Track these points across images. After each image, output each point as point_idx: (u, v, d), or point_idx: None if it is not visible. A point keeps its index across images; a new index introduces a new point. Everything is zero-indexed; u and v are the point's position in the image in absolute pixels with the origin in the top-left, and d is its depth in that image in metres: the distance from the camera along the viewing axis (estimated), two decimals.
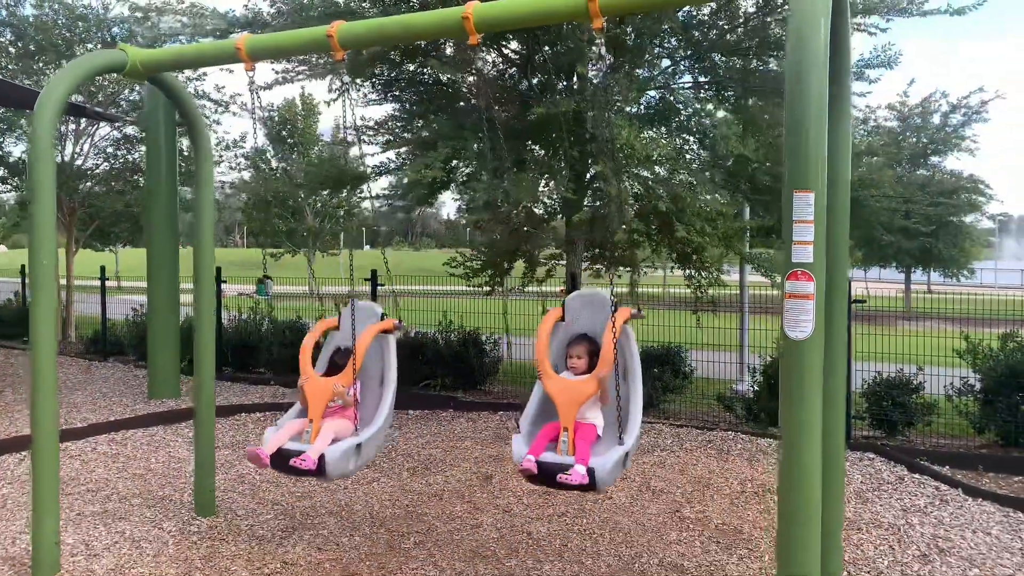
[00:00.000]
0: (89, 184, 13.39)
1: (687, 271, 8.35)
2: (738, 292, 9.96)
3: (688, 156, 8.13)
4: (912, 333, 7.91)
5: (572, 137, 7.06)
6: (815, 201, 2.52)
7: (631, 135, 6.17)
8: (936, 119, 20.90)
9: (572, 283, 8.40)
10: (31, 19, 11.46)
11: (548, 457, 3.79)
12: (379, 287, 9.46)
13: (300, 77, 7.72)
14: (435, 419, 8.01)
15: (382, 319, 4.69)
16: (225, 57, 4.21)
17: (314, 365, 4.64)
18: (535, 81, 8.03)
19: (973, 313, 8.13)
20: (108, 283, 12.69)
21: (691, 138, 8.13)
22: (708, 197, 7.39)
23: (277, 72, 7.97)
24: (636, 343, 4.15)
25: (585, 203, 7.92)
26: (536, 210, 9.12)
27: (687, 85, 8.14)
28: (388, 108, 8.73)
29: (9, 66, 11.72)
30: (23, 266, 13.74)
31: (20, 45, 11.67)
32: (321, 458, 4.01)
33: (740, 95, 7.62)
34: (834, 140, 3.13)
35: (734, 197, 8.00)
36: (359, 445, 4.18)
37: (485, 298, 9.68)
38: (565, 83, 7.84)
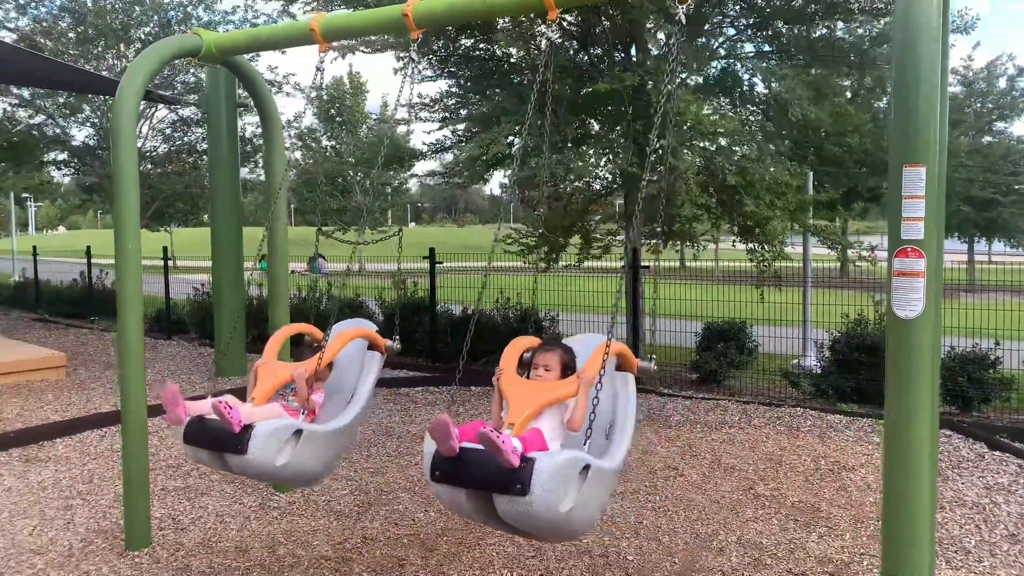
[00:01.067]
0: (149, 166, 13.68)
1: (749, 244, 8.21)
2: (800, 266, 9.75)
3: (752, 128, 7.94)
4: (982, 307, 7.66)
5: (635, 111, 6.94)
6: (927, 175, 2.42)
7: (698, 108, 6.04)
8: (1002, 83, 20.09)
9: (633, 257, 8.33)
10: (89, 5, 11.66)
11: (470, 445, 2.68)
12: (437, 264, 9.51)
13: (363, 51, 7.72)
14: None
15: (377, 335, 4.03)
16: (299, 38, 4.21)
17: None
18: (595, 52, 7.92)
19: None
20: (156, 263, 12.95)
21: (755, 109, 7.94)
22: (773, 169, 7.22)
23: (335, 49, 7.98)
24: (636, 396, 3.24)
25: (646, 177, 7.80)
26: (595, 185, 9.05)
27: (751, 54, 7.94)
28: (443, 84, 8.69)
29: (70, 51, 11.97)
30: (88, 247, 14.15)
31: (80, 30, 11.90)
32: (248, 427, 3.18)
33: (806, 63, 7.41)
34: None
35: (800, 168, 7.81)
36: (299, 432, 3.32)
37: (540, 275, 9.67)
38: (623, 55, 7.71)
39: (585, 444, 2.79)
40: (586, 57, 7.86)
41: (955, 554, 4.19)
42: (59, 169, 14.90)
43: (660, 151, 6.49)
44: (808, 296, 9.40)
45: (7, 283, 17.30)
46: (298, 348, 4.16)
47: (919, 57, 2.44)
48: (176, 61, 10.12)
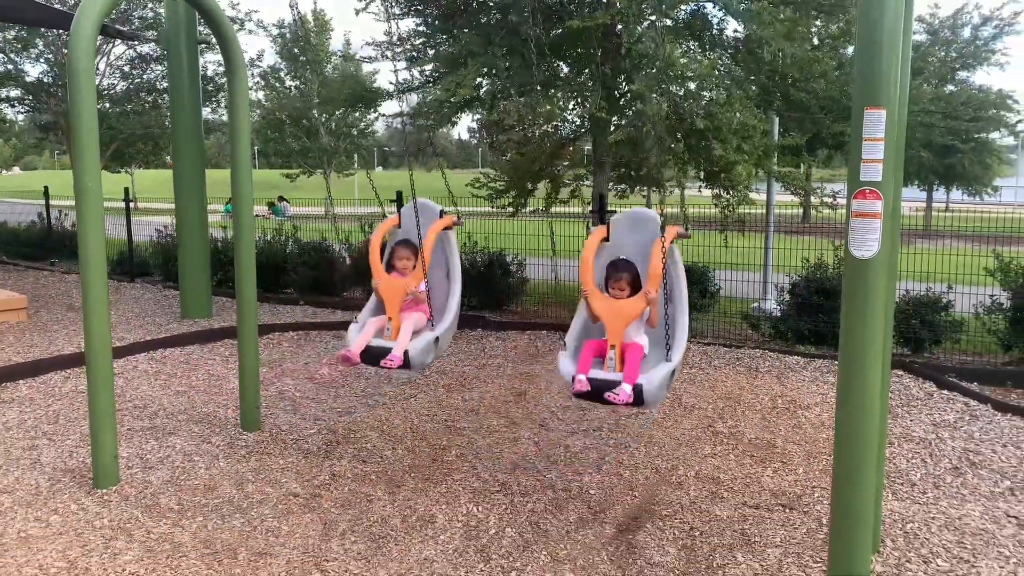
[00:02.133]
0: (107, 105, 13.25)
1: (715, 190, 8.28)
2: (764, 211, 9.88)
3: (721, 72, 7.93)
4: (937, 252, 7.87)
5: (603, 53, 6.89)
6: (887, 118, 2.47)
7: (670, 50, 6.01)
8: (967, 32, 20.20)
9: (600, 203, 8.36)
10: None
11: (596, 374, 3.86)
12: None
13: None
14: (465, 337, 8.13)
15: (440, 216, 4.77)
16: None
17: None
18: None
19: (1000, 231, 8.06)
20: (116, 204, 12.68)
21: (723, 53, 7.91)
22: (740, 114, 7.25)
23: None
24: (682, 264, 4.13)
25: (615, 121, 7.80)
26: (563, 130, 9.01)
27: None
28: (410, 23, 8.51)
29: None
30: (46, 188, 13.78)
31: None
32: (405, 354, 4.32)
33: (777, 3, 7.37)
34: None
35: (767, 113, 7.84)
36: (437, 338, 4.46)
37: (508, 219, 9.67)
38: None
39: (665, 332, 3.90)
40: None
41: (901, 486, 4.40)
42: (12, 107, 14.36)
43: (628, 95, 6.49)
44: (770, 241, 9.56)
45: None
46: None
47: (885, 6, 2.46)
48: None
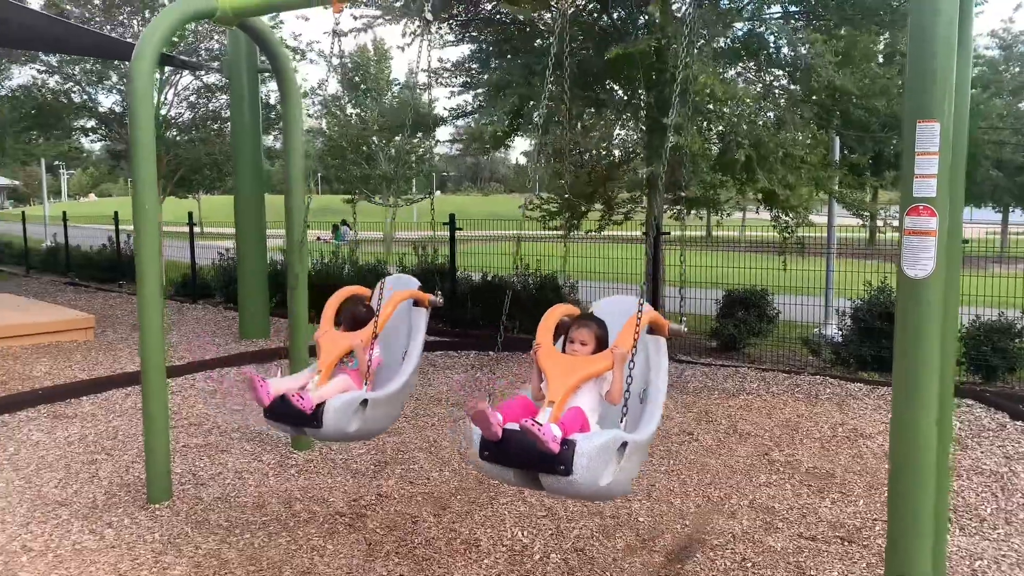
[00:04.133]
0: (174, 133, 13.76)
1: (773, 211, 8.10)
2: (824, 234, 9.60)
3: (777, 92, 7.79)
4: (1012, 276, 7.51)
5: (651, 78, 6.84)
6: (941, 131, 2.36)
7: (712, 78, 5.90)
8: None
9: (656, 227, 8.26)
10: None
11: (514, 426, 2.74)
12: (457, 231, 9.52)
13: (379, 22, 7.67)
14: (515, 360, 8.09)
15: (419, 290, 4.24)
16: None
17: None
18: (615, 16, 7.78)
19: None
20: (181, 229, 13.13)
21: (781, 72, 7.77)
22: (791, 136, 7.10)
23: (356, 18, 7.94)
24: (668, 360, 3.31)
25: (664, 147, 7.70)
26: (616, 151, 8.96)
27: (777, 15, 7.75)
28: (465, 49, 8.62)
29: (96, 18, 12.01)
30: (116, 212, 14.35)
31: None
32: (321, 404, 3.52)
33: (835, 23, 7.21)
34: (958, 66, 2.92)
35: (826, 133, 7.65)
36: (365, 402, 3.65)
37: (561, 242, 9.63)
38: (646, 18, 7.56)
39: (622, 417, 2.88)
40: (607, 20, 7.73)
41: (969, 521, 4.17)
42: (87, 136, 15.06)
43: (669, 124, 6.40)
44: (831, 264, 9.27)
45: (40, 248, 17.65)
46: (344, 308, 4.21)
47: (937, 8, 2.36)
48: (197, 26, 10.09)
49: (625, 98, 8.03)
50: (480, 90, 8.51)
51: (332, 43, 4.43)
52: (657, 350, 3.30)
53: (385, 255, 11.22)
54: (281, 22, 13.19)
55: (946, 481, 3.40)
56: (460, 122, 10.05)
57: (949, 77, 2.36)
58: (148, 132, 4.21)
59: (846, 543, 3.92)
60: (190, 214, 12.00)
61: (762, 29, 7.57)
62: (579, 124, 7.49)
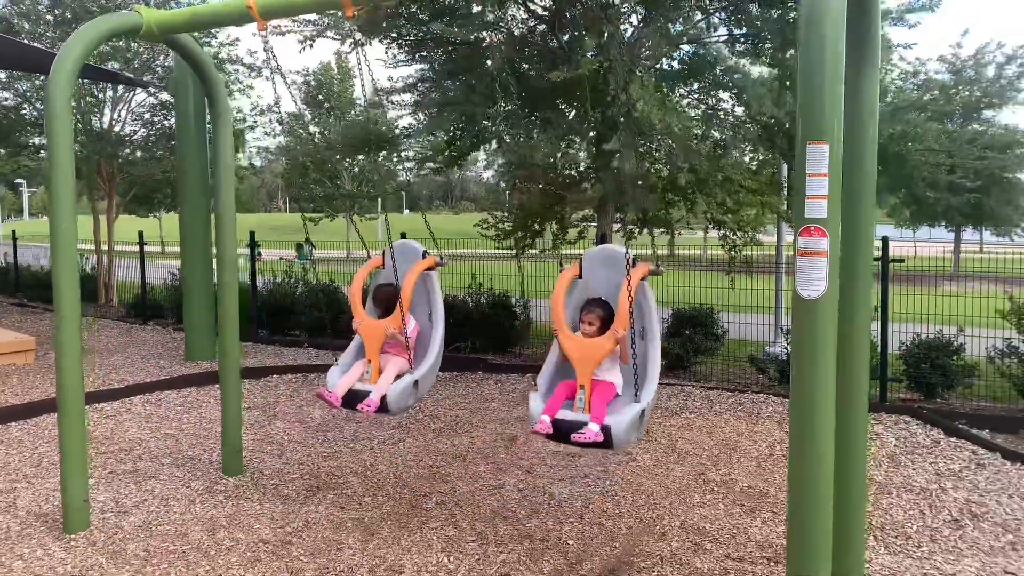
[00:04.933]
0: (127, 151, 13.56)
1: (721, 231, 8.15)
2: (774, 252, 9.72)
3: (722, 114, 7.86)
4: (956, 294, 7.63)
5: (596, 99, 6.87)
6: (830, 153, 2.38)
7: (649, 107, 5.93)
8: (991, 71, 19.94)
9: (602, 243, 8.27)
10: None
11: (564, 415, 3.81)
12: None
13: (327, 36, 7.64)
14: (463, 381, 8.03)
15: (424, 257, 4.73)
16: (238, 16, 4.14)
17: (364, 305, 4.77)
18: (565, 38, 7.82)
19: (1021, 273, 7.80)
20: (152, 248, 12.95)
21: (725, 94, 7.85)
22: (735, 159, 7.17)
23: (302, 33, 7.89)
24: (655, 301, 4.09)
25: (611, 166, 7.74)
26: (567, 171, 8.98)
27: (722, 38, 7.84)
28: (415, 69, 8.59)
29: (48, 34, 11.84)
30: (13, 232, 14.00)
31: (57, 13, 11.77)
32: (383, 398, 4.29)
33: (778, 47, 7.30)
34: (857, 87, 2.95)
35: (772, 155, 7.74)
36: (416, 382, 4.41)
37: (517, 261, 9.62)
38: (596, 40, 7.61)
39: (633, 362, 3.78)
40: (555, 42, 7.77)
41: (895, 539, 4.18)
42: (38, 153, 14.76)
43: (611, 150, 6.45)
44: (781, 283, 9.37)
45: None
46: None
47: (823, 33, 2.39)
48: (129, 42, 9.89)
49: (573, 118, 8.05)
50: (430, 110, 8.49)
51: (269, 56, 4.42)
52: (644, 296, 4.04)
53: (334, 275, 11.11)
54: (237, 39, 13.12)
55: (861, 500, 3.41)
56: (416, 141, 10.02)
57: (835, 99, 2.38)
58: (66, 149, 4.11)
59: (772, 563, 3.91)
60: (140, 233, 11.80)
61: (704, 52, 7.65)
62: (528, 144, 7.46)
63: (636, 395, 3.80)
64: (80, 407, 4.32)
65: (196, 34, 5.40)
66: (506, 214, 9.88)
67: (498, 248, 9.79)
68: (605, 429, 3.62)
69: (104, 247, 13.88)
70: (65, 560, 3.96)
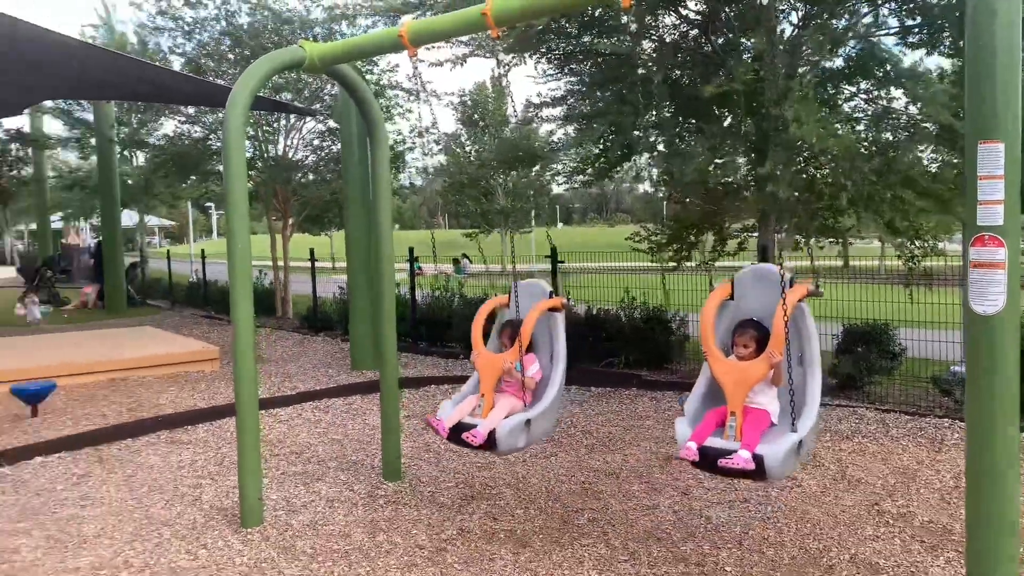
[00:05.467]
0: (299, 175, 14.59)
1: (898, 240, 7.54)
2: (959, 263, 8.85)
3: (894, 115, 7.29)
4: None
5: (752, 107, 6.59)
6: (1006, 152, 2.10)
7: (807, 128, 5.58)
8: None
9: (763, 256, 7.90)
10: (245, 27, 12.60)
11: (713, 442, 3.60)
12: (559, 264, 9.49)
13: (469, 58, 7.86)
14: (617, 397, 7.91)
15: (550, 297, 4.69)
16: (391, 44, 4.34)
17: (487, 340, 4.77)
18: (719, 42, 7.58)
19: None
20: (323, 264, 13.84)
21: (898, 91, 7.27)
22: (911, 159, 6.60)
23: (453, 53, 8.16)
24: (814, 322, 3.83)
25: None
26: (725, 179, 8.67)
27: (892, 29, 7.29)
28: (564, 83, 8.63)
29: (229, 71, 12.99)
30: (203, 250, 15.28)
31: (238, 51, 12.89)
32: (491, 434, 4.17)
33: (957, 36, 6.68)
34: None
35: (952, 155, 7.08)
36: (528, 421, 4.26)
37: (675, 274, 9.37)
38: (759, 40, 7.30)
39: (791, 387, 3.57)
40: (709, 47, 7.54)
41: None
42: (222, 179, 16.22)
43: (767, 172, 6.14)
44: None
45: (185, 284, 19.10)
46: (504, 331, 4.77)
47: (994, 8, 2.12)
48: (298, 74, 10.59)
49: (728, 126, 7.77)
50: (579, 124, 8.50)
51: (417, 80, 4.64)
52: (803, 318, 3.78)
53: (488, 289, 11.33)
54: (397, 66, 13.80)
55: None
56: (566, 154, 10.07)
57: (1013, 91, 2.10)
58: (240, 174, 4.45)
59: None
60: (311, 250, 12.63)
61: (871, 47, 7.12)
62: (681, 153, 7.28)
63: (793, 424, 3.55)
64: (254, 412, 4.64)
65: (359, 63, 5.73)
66: (660, 226, 9.68)
67: (652, 261, 9.61)
68: (757, 458, 3.38)
69: (280, 263, 14.96)
70: (242, 552, 4.26)
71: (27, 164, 26.97)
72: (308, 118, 13.56)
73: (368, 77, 12.86)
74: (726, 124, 7.88)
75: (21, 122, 24.38)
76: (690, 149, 6.77)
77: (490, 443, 4.19)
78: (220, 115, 13.96)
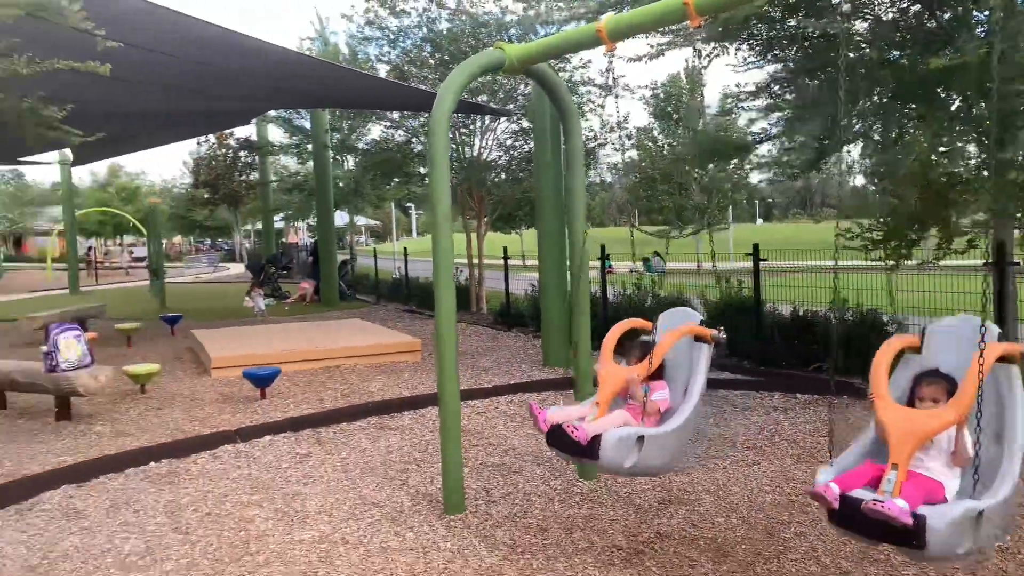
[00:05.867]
0: (493, 175, 15.03)
1: None
2: None
3: None
4: None
5: (983, 87, 5.85)
6: None
7: None
8: None
9: (999, 254, 7.04)
10: (445, 32, 13.16)
11: (860, 493, 2.87)
12: (762, 262, 9.04)
13: (669, 49, 7.63)
14: (825, 405, 7.39)
15: (699, 324, 4.24)
16: (588, 41, 4.32)
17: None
18: (946, 16, 6.83)
19: None
20: (514, 262, 14.21)
21: None
22: None
23: (652, 46, 7.97)
24: (1022, 391, 3.02)
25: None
26: (953, 168, 7.83)
27: None
28: (769, 70, 8.17)
29: (429, 76, 13.64)
30: (404, 248, 16.00)
31: (437, 56, 13.50)
32: (596, 437, 3.69)
33: None
34: None
35: None
36: (642, 438, 3.72)
37: (889, 274, 8.61)
38: (985, 14, 6.52)
39: (976, 470, 2.85)
40: (933, 22, 6.82)
41: None
42: (424, 180, 17.03)
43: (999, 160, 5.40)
44: None
45: (389, 279, 20.38)
46: (624, 345, 4.40)
47: None
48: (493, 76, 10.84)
49: (956, 110, 6.99)
50: (783, 113, 8.02)
51: (609, 77, 4.55)
52: (1009, 381, 3.04)
53: (683, 288, 11.03)
54: (589, 61, 13.79)
55: None
56: (765, 148, 9.57)
57: None
58: (444, 175, 4.63)
59: None
60: (504, 248, 12.97)
61: None
62: (900, 142, 6.65)
63: (974, 490, 2.85)
64: (456, 402, 4.81)
65: (551, 62, 5.76)
66: (876, 221, 8.91)
67: (865, 259, 8.88)
68: (918, 517, 2.66)
69: (475, 261, 15.51)
70: (446, 537, 4.43)
71: (254, 169, 30.10)
72: (502, 118, 13.93)
73: (560, 75, 13.00)
74: (952, 108, 7.10)
75: (249, 131, 27.31)
76: (911, 138, 6.13)
77: (592, 448, 3.69)
78: (421, 119, 14.72)
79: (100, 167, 51.63)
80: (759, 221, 64.56)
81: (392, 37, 13.93)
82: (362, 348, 9.94)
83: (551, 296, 9.51)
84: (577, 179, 5.21)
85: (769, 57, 8.00)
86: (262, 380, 7.99)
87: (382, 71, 14.42)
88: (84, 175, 54.48)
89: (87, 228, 45.66)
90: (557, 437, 3.87)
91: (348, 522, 4.69)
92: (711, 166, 21.21)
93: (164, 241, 33.14)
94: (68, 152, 20.17)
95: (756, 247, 8.99)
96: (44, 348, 7.16)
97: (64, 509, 5.03)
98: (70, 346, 7.09)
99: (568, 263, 5.43)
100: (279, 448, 6.31)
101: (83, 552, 4.36)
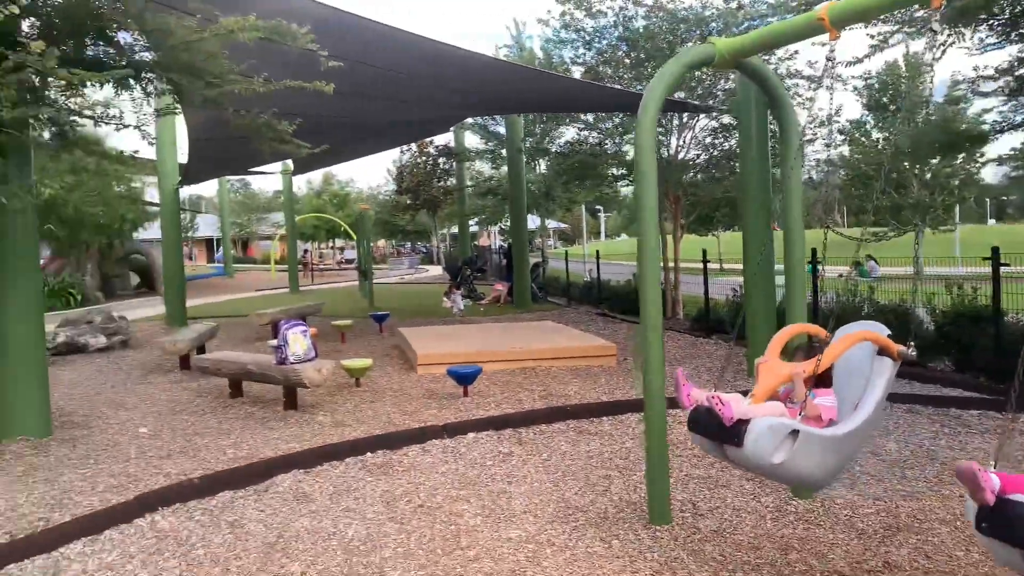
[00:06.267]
0: (691, 174, 14.60)
1: None
2: None
3: None
4: None
5: None
6: None
7: None
8: None
9: None
10: (641, 30, 12.96)
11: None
12: (1003, 267, 8.05)
13: (897, 38, 6.99)
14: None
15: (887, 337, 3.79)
16: (808, 30, 4.03)
17: None
18: None
19: None
20: (710, 265, 13.72)
21: None
22: None
23: (873, 36, 7.38)
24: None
25: None
26: None
27: None
28: (1012, 51, 7.28)
29: (624, 76, 13.49)
30: (596, 251, 15.70)
31: (633, 55, 13.33)
32: (744, 421, 3.34)
33: None
34: None
35: None
36: (796, 432, 3.32)
37: None
38: None
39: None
40: None
41: None
42: (617, 182, 16.91)
43: None
44: None
45: (579, 282, 20.47)
46: (798, 352, 4.06)
47: None
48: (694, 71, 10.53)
49: None
50: None
51: (827, 68, 4.16)
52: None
53: (906, 295, 10.05)
54: (796, 52, 13.02)
55: None
56: (1007, 137, 8.54)
57: None
58: (651, 175, 4.51)
59: None
60: (704, 251, 12.55)
61: None
62: None
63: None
64: (662, 411, 4.68)
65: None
66: None
67: None
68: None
69: (671, 264, 15.17)
70: (652, 548, 4.32)
71: (451, 175, 31.49)
72: (700, 115, 13.50)
73: None
74: None
75: (447, 138, 28.62)
76: None
77: (735, 432, 3.34)
78: (616, 120, 14.62)
79: (315, 176, 56.41)
80: (991, 221, 57.89)
81: (588, 38, 13.94)
82: (558, 350, 10.02)
83: (757, 301, 9.05)
84: (793, 176, 4.90)
85: (1014, 37, 7.13)
86: (465, 378, 8.28)
87: (576, 73, 14.49)
88: (301, 183, 59.89)
89: (304, 232, 49.96)
90: (700, 418, 3.59)
91: (553, 524, 4.71)
92: (934, 160, 19.27)
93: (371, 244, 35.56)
94: (290, 163, 22.17)
95: (995, 250, 8.02)
96: (274, 342, 7.86)
97: (295, 492, 5.48)
98: (297, 340, 7.74)
99: (784, 267, 5.10)
100: (483, 445, 6.49)
101: (312, 534, 4.71)
